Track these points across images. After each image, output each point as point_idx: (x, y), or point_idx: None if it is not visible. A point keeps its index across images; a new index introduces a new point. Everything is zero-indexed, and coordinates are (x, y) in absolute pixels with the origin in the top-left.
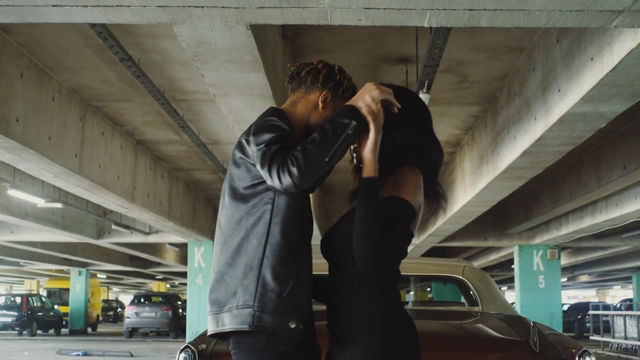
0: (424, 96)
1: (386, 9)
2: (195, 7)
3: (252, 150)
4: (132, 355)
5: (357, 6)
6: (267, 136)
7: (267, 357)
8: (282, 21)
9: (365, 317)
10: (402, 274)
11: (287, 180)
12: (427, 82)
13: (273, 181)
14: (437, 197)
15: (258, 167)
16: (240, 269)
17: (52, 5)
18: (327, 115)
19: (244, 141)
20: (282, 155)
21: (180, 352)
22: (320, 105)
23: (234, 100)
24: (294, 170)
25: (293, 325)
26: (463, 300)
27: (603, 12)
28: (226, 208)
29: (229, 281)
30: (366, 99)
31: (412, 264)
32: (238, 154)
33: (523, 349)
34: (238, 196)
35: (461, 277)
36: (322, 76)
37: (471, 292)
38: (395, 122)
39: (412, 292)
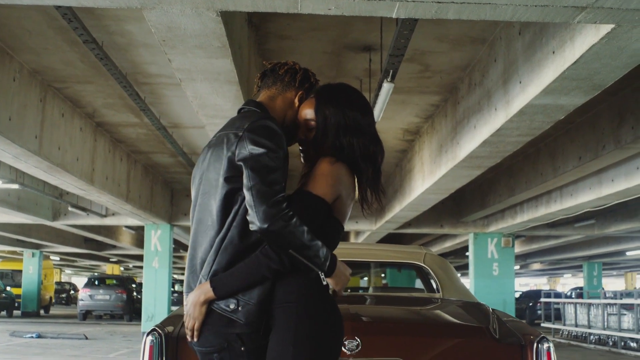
0: (387, 85)
1: None
2: None
3: (245, 145)
4: (86, 338)
5: None
6: (269, 163)
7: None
8: (253, 9)
9: (282, 300)
10: (363, 260)
11: (275, 225)
12: (391, 71)
13: (258, 216)
14: (377, 194)
15: (249, 185)
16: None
17: None
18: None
19: (232, 135)
20: (286, 205)
21: (147, 334)
22: (297, 103)
23: (200, 85)
24: (283, 225)
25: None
26: (418, 286)
27: (567, 8)
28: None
29: None
30: (345, 281)
31: (373, 251)
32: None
33: (483, 335)
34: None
35: (422, 264)
36: (299, 76)
37: (432, 279)
38: (338, 124)
39: (365, 278)
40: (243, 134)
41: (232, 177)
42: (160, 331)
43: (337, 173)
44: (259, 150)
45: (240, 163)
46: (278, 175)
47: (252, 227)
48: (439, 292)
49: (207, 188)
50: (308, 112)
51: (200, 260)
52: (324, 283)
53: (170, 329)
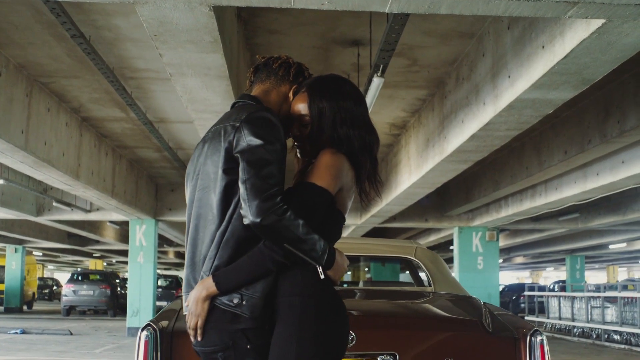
0: (377, 80)
1: None
2: None
3: (243, 136)
4: (71, 334)
5: None
6: (265, 155)
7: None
8: (246, 3)
9: (286, 294)
10: (353, 254)
11: (267, 219)
12: (382, 66)
13: (251, 210)
14: (375, 184)
15: (244, 178)
16: None
17: None
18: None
19: (229, 127)
20: (280, 199)
21: (142, 330)
22: (291, 97)
23: (191, 80)
24: (275, 219)
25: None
26: (402, 279)
27: (559, 3)
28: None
29: None
30: (343, 272)
31: (363, 245)
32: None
33: (476, 328)
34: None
35: (413, 258)
36: (293, 70)
37: (423, 273)
38: (333, 116)
39: (349, 272)
40: (240, 125)
41: (231, 168)
42: (155, 326)
43: (340, 164)
44: (256, 142)
45: (238, 155)
46: (274, 169)
47: (245, 221)
48: (430, 285)
49: (205, 182)
50: (301, 107)
51: (202, 257)
52: (321, 277)
53: (164, 323)
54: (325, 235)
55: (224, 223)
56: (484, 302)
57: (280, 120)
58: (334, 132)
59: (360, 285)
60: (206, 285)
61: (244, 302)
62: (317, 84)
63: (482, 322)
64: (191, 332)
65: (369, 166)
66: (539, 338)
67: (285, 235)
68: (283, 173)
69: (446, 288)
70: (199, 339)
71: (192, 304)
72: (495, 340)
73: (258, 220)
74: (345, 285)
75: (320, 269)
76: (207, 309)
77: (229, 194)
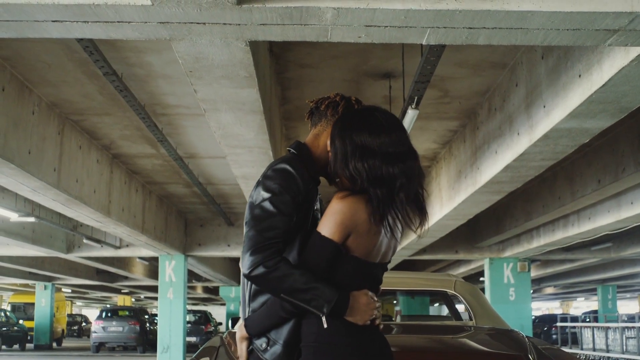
0: (412, 112)
1: (387, 26)
2: (197, 23)
3: (258, 191)
4: None
5: (359, 24)
6: (269, 208)
7: None
8: (282, 38)
9: (304, 341)
10: (390, 288)
11: (256, 271)
12: (416, 97)
13: (243, 263)
14: (398, 213)
15: (245, 230)
16: None
17: (52, 21)
18: None
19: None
20: (271, 252)
21: None
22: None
23: (225, 115)
24: (264, 272)
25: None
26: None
27: (599, 31)
28: None
29: None
30: (366, 315)
31: (401, 279)
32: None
33: None
34: None
35: (453, 292)
36: (341, 108)
37: (463, 307)
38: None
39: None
40: (260, 180)
41: None
42: None
43: (346, 209)
44: (264, 195)
45: None
46: (276, 220)
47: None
48: (471, 319)
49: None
50: (327, 145)
51: (246, 300)
52: (325, 326)
53: None
54: (337, 285)
55: None
56: (527, 336)
57: (301, 168)
58: (346, 169)
59: (398, 320)
60: (241, 327)
61: (269, 348)
62: (338, 120)
63: (528, 358)
64: None
65: (382, 197)
66: None
67: (278, 286)
68: (290, 222)
69: (487, 322)
70: None
71: (237, 344)
72: None
73: (247, 272)
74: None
75: (323, 318)
76: (245, 350)
77: None
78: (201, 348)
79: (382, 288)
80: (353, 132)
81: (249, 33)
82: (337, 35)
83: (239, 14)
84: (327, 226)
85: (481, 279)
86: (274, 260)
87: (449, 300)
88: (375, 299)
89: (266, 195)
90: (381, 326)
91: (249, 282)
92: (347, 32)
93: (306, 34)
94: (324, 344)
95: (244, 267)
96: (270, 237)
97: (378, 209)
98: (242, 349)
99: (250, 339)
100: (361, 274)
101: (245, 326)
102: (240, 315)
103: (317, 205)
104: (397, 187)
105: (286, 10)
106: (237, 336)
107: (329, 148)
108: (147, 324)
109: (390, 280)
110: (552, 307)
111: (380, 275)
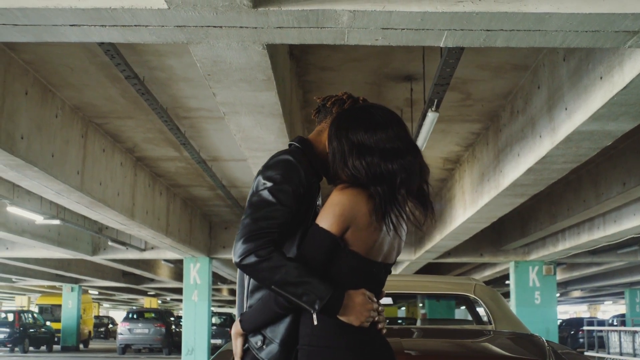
0: (432, 114)
1: (404, 29)
2: (214, 27)
3: (258, 180)
4: None
5: (375, 26)
6: (268, 197)
7: None
8: (299, 41)
9: (301, 342)
10: (409, 291)
11: (247, 260)
12: (436, 100)
13: (235, 250)
14: (398, 212)
15: (242, 218)
16: None
17: (70, 25)
18: None
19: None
20: (264, 240)
21: None
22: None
23: (244, 118)
24: (256, 261)
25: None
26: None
27: (618, 33)
28: None
29: None
30: (362, 316)
31: (421, 282)
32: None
33: None
34: None
35: (473, 295)
36: (347, 106)
37: (483, 310)
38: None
39: (403, 309)
40: (261, 170)
41: None
42: None
43: (345, 200)
44: (265, 184)
45: None
46: (273, 210)
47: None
48: (490, 323)
49: None
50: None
51: (245, 297)
52: (315, 323)
53: None
54: (332, 280)
55: None
56: (546, 340)
57: (304, 161)
58: (345, 167)
59: (418, 324)
60: (235, 323)
61: (264, 346)
62: (333, 120)
63: None
64: None
65: (383, 194)
66: None
67: (269, 277)
68: (288, 213)
69: (507, 326)
70: None
71: (232, 341)
72: None
73: (237, 260)
74: (401, 323)
75: (314, 316)
76: (240, 347)
77: None
78: (218, 351)
79: (404, 292)
80: (349, 130)
81: (266, 36)
82: (353, 38)
83: (255, 17)
84: (326, 218)
85: (507, 282)
86: (267, 249)
87: (470, 304)
88: (375, 300)
89: (267, 184)
90: (384, 330)
91: (249, 278)
92: (363, 34)
93: (323, 37)
94: (317, 346)
95: (235, 255)
96: (265, 227)
97: (380, 206)
98: (237, 346)
99: (245, 336)
100: (360, 271)
101: (240, 321)
102: (236, 312)
103: (319, 201)
104: (398, 183)
105: (302, 13)
106: (232, 332)
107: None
108: (173, 326)
109: (411, 283)
110: (580, 310)
111: (382, 277)
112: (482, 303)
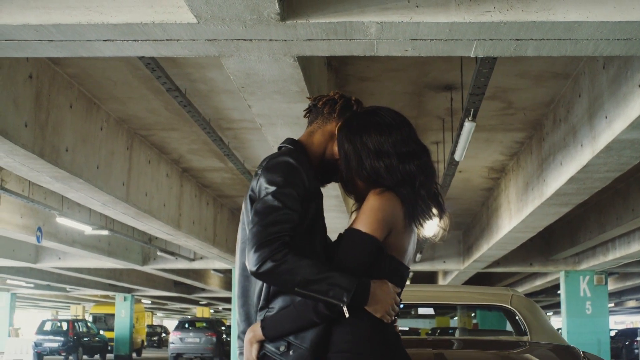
0: (469, 124)
1: (433, 39)
2: (244, 40)
3: (260, 184)
4: None
5: (404, 37)
6: (273, 202)
7: None
8: (329, 53)
9: (334, 350)
10: (446, 302)
11: (264, 267)
12: (472, 110)
13: (249, 260)
14: (420, 214)
15: (250, 227)
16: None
17: (104, 40)
18: None
19: (256, 173)
20: (277, 244)
21: None
22: (337, 134)
23: (281, 129)
24: (273, 266)
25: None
26: (509, 328)
27: None
28: None
29: None
30: (387, 306)
31: (458, 293)
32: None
33: None
34: None
35: (509, 306)
36: (338, 106)
37: (519, 321)
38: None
39: (456, 319)
40: (259, 172)
41: None
42: None
43: (386, 205)
44: (268, 189)
45: None
46: (282, 214)
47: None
48: (527, 335)
49: (244, 233)
50: (335, 150)
51: (254, 305)
52: (346, 315)
53: None
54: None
55: None
56: (583, 352)
57: (322, 163)
58: (362, 170)
59: (457, 334)
60: (254, 329)
61: (290, 352)
62: (343, 124)
63: None
64: None
65: (409, 196)
66: None
67: (290, 280)
68: (296, 217)
69: (543, 337)
70: None
71: (245, 348)
72: None
73: (254, 269)
74: (436, 333)
75: (345, 308)
76: (255, 354)
77: None
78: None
79: (440, 302)
80: (362, 133)
81: (296, 49)
82: (383, 49)
83: (284, 30)
84: (368, 222)
85: (558, 292)
86: (282, 252)
87: (510, 314)
88: (398, 290)
89: (270, 188)
90: (398, 327)
91: (263, 284)
92: (393, 45)
93: (352, 49)
94: (355, 353)
95: (251, 264)
96: (276, 232)
97: (409, 209)
98: (252, 353)
99: (262, 343)
100: (396, 275)
101: (262, 328)
102: (237, 319)
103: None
104: (418, 185)
105: (330, 25)
106: (247, 339)
107: (337, 155)
108: (224, 335)
109: (448, 294)
110: (636, 320)
111: (406, 281)
112: (518, 314)
